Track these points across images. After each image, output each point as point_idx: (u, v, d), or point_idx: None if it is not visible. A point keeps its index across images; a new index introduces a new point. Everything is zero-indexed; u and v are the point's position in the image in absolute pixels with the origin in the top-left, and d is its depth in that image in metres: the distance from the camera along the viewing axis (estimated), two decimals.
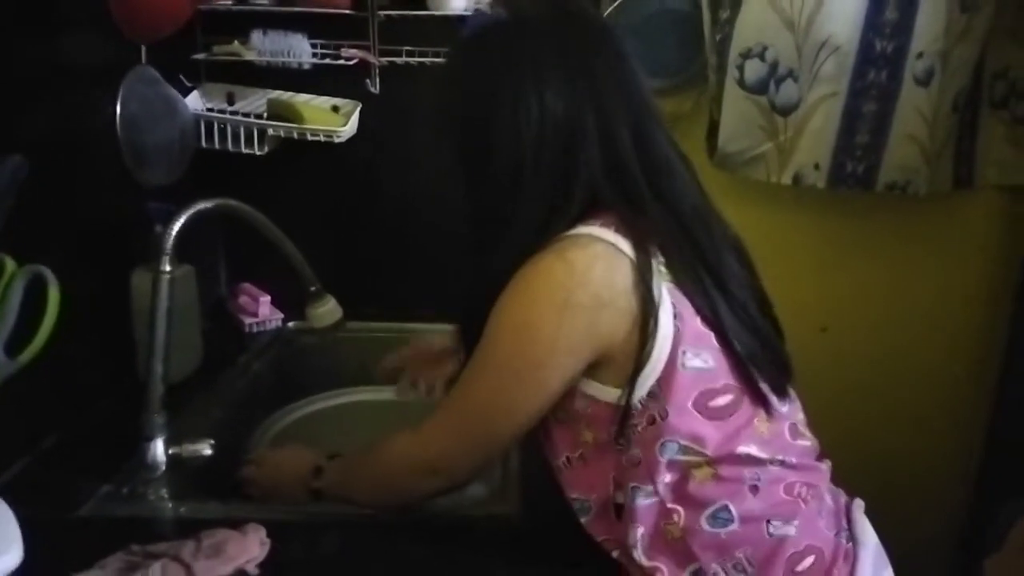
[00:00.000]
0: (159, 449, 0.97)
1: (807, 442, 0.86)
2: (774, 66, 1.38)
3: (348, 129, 1.44)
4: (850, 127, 1.40)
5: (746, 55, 1.38)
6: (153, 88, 1.29)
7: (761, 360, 0.81)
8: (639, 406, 0.77)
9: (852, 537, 0.83)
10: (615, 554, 0.82)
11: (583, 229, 0.78)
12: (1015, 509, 1.49)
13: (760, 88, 1.40)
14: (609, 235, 0.77)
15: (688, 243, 0.80)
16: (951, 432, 1.67)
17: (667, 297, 0.76)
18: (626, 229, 0.77)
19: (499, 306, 0.79)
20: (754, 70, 1.39)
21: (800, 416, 0.87)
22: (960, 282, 1.61)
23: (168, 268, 0.94)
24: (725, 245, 0.85)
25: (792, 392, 0.86)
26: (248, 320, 1.49)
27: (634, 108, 0.81)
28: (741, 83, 1.40)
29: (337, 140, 1.42)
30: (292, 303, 1.51)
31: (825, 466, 0.87)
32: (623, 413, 0.77)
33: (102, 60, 1.19)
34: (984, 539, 1.51)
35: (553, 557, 0.88)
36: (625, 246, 0.76)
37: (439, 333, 1.19)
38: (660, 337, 0.75)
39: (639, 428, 0.77)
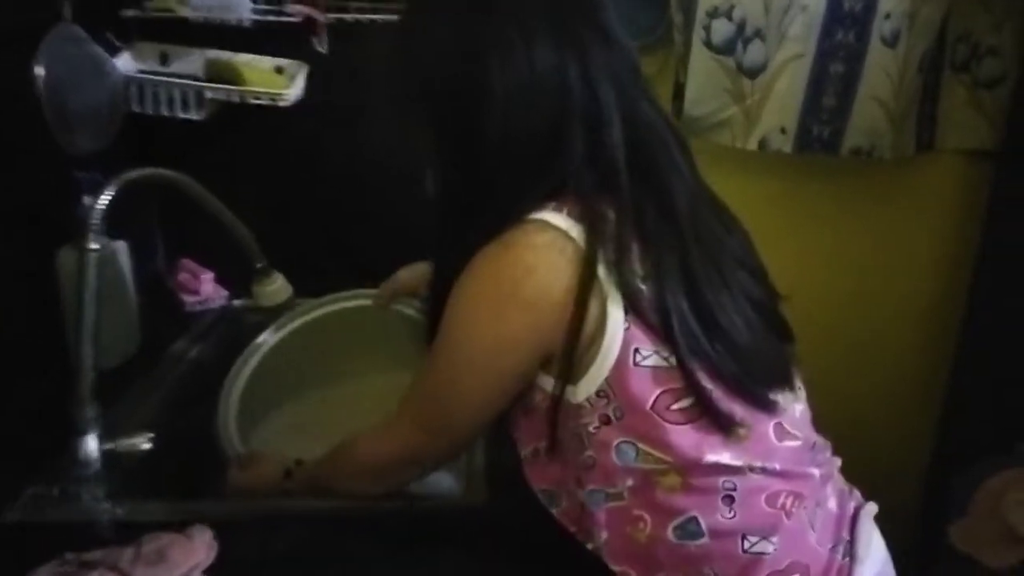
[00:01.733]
0: (92, 444, 0.89)
1: (796, 443, 0.76)
2: (741, 25, 1.33)
3: (293, 92, 1.34)
4: (817, 89, 1.36)
5: (713, 14, 1.33)
6: (79, 48, 1.18)
7: (742, 359, 0.72)
8: (587, 405, 0.71)
9: (852, 552, 0.76)
10: (589, 546, 0.77)
11: (541, 215, 0.71)
12: (975, 475, 1.49)
13: (727, 49, 1.35)
14: (563, 222, 0.70)
15: (669, 234, 0.72)
16: (912, 397, 1.67)
17: (616, 292, 0.69)
18: (586, 216, 0.70)
19: (453, 294, 0.74)
20: (721, 30, 1.33)
21: (792, 413, 0.78)
22: (924, 246, 1.60)
23: (95, 245, 0.85)
24: (722, 238, 0.78)
25: (785, 389, 0.78)
26: (189, 299, 1.40)
27: (624, 88, 0.74)
28: (708, 43, 1.34)
29: (282, 104, 1.33)
30: (237, 279, 1.42)
31: (822, 469, 0.78)
32: (551, 411, 0.73)
33: (21, 17, 1.08)
34: (946, 506, 1.52)
35: (525, 549, 0.83)
36: (577, 234, 0.69)
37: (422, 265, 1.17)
38: (608, 333, 0.69)
39: (590, 428, 0.72)
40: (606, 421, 0.71)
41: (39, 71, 1.07)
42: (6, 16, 1.05)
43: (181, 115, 1.31)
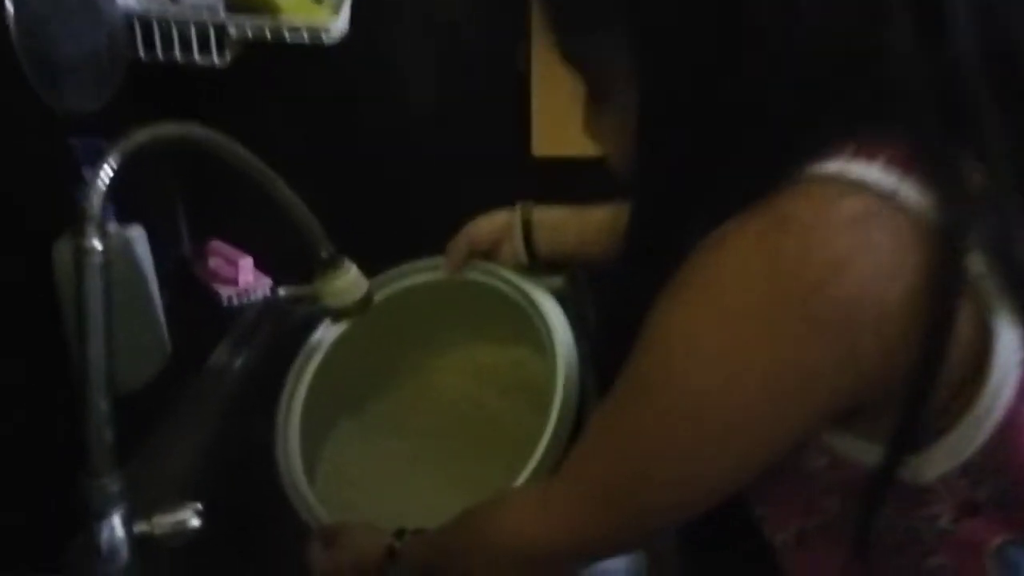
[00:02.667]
0: (117, 529, 0.63)
1: None
2: None
3: (339, 23, 1.05)
4: None
5: None
6: None
7: None
8: (940, 488, 0.43)
9: None
10: None
11: (836, 165, 0.42)
12: None
13: None
14: (882, 177, 0.41)
15: None
16: None
17: (1005, 297, 0.41)
18: (930, 169, 0.41)
19: (667, 308, 0.46)
20: None
21: None
22: None
23: (96, 243, 0.57)
24: None
25: None
26: (225, 291, 1.13)
27: None
28: None
29: (327, 41, 1.04)
30: (280, 262, 1.16)
31: None
32: (868, 494, 0.45)
33: None
34: None
35: None
36: (915, 199, 0.41)
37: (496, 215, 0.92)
38: (995, 367, 0.41)
39: (942, 522, 0.44)
40: (971, 511, 0.43)
41: (7, 6, 0.79)
42: None
43: (199, 60, 1.03)
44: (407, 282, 0.96)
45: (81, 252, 0.58)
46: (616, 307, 0.59)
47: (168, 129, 0.61)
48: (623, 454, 0.50)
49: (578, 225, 0.87)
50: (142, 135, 0.60)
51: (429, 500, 0.88)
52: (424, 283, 0.95)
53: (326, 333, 0.94)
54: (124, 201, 0.88)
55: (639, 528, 0.53)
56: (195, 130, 0.64)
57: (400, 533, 0.69)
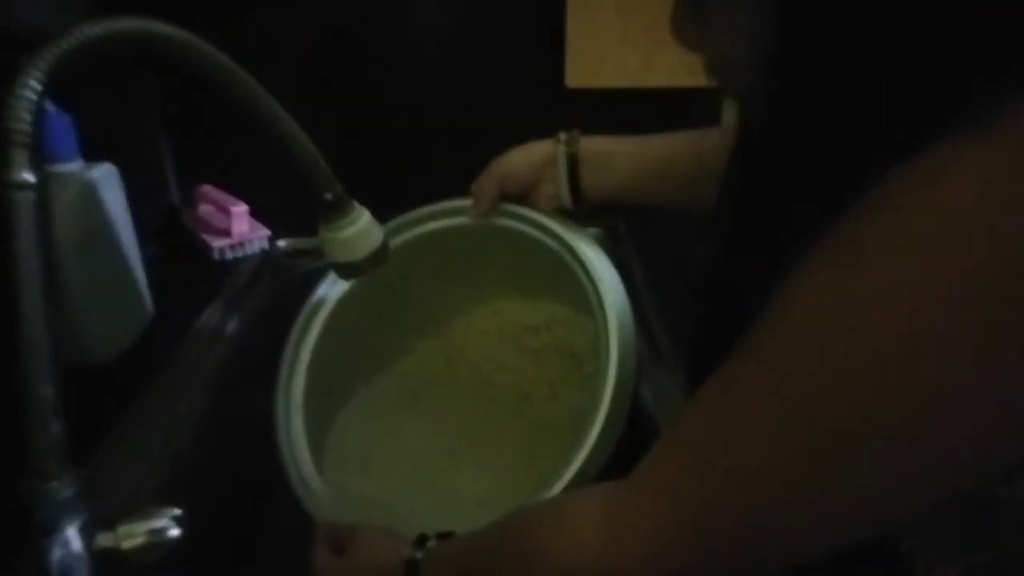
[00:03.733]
0: (73, 544, 0.49)
1: None
2: None
3: None
4: None
5: None
6: None
7: None
8: None
9: None
10: None
11: None
12: None
13: None
14: None
15: None
16: None
17: None
18: None
19: (836, 272, 0.32)
20: None
21: None
22: None
23: (27, 175, 0.43)
24: None
25: None
26: (217, 243, 0.98)
27: None
28: None
29: None
30: (280, 210, 1.01)
31: None
32: None
33: None
34: None
35: None
36: None
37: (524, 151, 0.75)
38: None
39: None
40: None
41: None
42: None
43: None
44: (424, 229, 0.80)
45: (7, 188, 0.43)
46: (716, 275, 0.44)
47: (113, 26, 0.46)
48: (742, 464, 0.35)
49: (631, 159, 0.71)
50: (78, 35, 0.45)
51: (453, 491, 0.75)
52: (444, 230, 0.79)
53: (330, 290, 0.80)
54: (94, 139, 0.73)
55: (741, 568, 0.39)
56: (157, 27, 0.48)
57: (422, 540, 0.56)
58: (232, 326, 0.88)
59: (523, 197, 0.75)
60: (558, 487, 0.58)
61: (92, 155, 0.73)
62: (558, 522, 0.44)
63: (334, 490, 0.69)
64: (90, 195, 0.70)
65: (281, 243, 1.03)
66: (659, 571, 0.39)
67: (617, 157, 0.71)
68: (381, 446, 0.81)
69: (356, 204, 0.63)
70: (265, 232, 1.01)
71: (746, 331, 0.36)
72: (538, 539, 0.45)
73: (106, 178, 0.73)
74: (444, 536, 0.56)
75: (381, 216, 0.66)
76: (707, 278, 0.45)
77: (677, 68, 1.09)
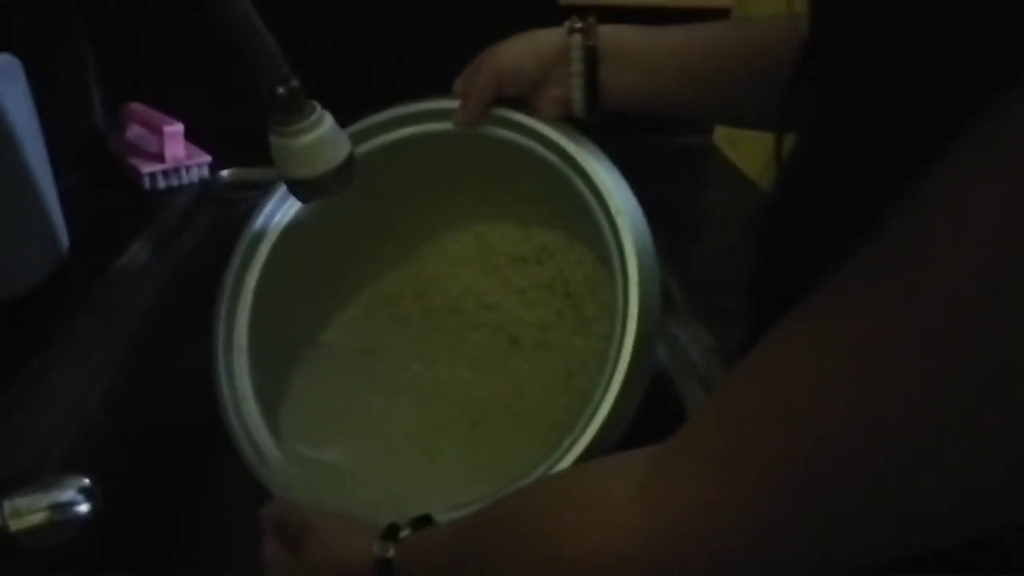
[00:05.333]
0: None
1: None
2: None
3: None
4: None
5: None
6: None
7: None
8: None
9: None
10: None
11: None
12: None
13: None
14: None
15: None
16: None
17: None
18: None
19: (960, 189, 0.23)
20: None
21: None
22: None
23: None
24: None
25: None
26: (148, 168, 0.85)
27: None
28: None
29: None
30: (221, 132, 0.87)
31: None
32: None
33: None
34: None
35: None
36: None
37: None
38: None
39: None
40: None
41: None
42: None
43: None
44: (394, 135, 0.64)
45: None
46: (792, 205, 0.34)
47: None
48: (837, 422, 0.25)
49: (672, 56, 0.56)
50: None
51: (430, 461, 0.64)
52: (418, 137, 0.64)
53: (277, 210, 0.65)
54: None
55: (818, 563, 0.29)
56: None
57: (392, 532, 0.45)
58: (163, 266, 0.75)
59: (520, 99, 0.60)
60: (570, 457, 0.48)
61: None
62: (588, 499, 0.33)
63: (289, 456, 0.58)
64: None
65: (224, 173, 0.89)
66: (727, 562, 0.29)
67: (651, 52, 0.56)
68: (343, 403, 0.69)
69: (316, 105, 0.50)
70: (205, 158, 0.88)
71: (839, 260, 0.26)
72: (545, 527, 0.34)
73: (4, 72, 0.59)
74: (420, 523, 0.45)
75: (342, 122, 0.53)
76: (780, 209, 0.35)
77: None
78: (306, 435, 0.63)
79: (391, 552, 0.43)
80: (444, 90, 0.62)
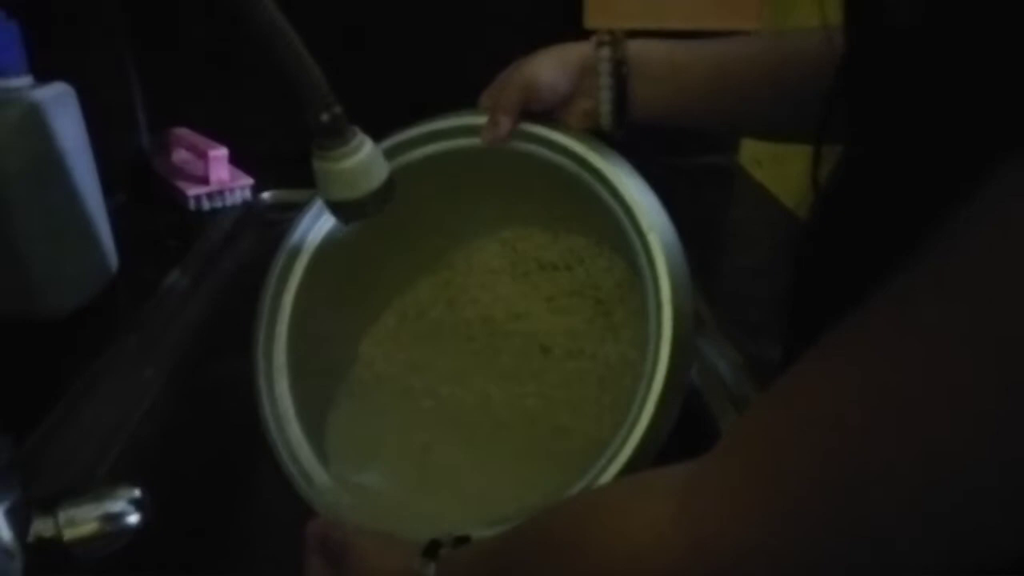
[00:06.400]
0: (2, 530, 0.39)
1: None
2: None
3: None
4: None
5: None
6: None
7: None
8: None
9: None
10: None
11: None
12: None
13: None
14: None
15: None
16: None
17: None
18: None
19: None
20: None
21: None
22: None
23: None
24: None
25: None
26: (193, 191, 0.87)
27: None
28: None
29: None
30: (265, 156, 0.90)
31: None
32: None
33: None
34: None
35: None
36: None
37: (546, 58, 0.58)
38: None
39: None
40: None
41: None
42: None
43: None
44: (422, 152, 0.64)
45: None
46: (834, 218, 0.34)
47: None
48: (878, 437, 0.26)
49: (675, 65, 0.56)
50: None
51: (468, 479, 0.65)
52: (447, 154, 0.64)
53: (308, 229, 0.66)
54: (47, 53, 0.62)
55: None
56: None
57: (433, 548, 0.46)
58: (207, 284, 0.78)
59: (547, 113, 0.59)
60: (608, 474, 0.48)
61: (43, 73, 0.62)
62: (626, 515, 0.34)
63: (332, 475, 0.59)
64: (39, 118, 0.59)
65: (266, 195, 0.92)
66: (757, 557, 0.30)
67: (679, 64, 0.56)
68: (382, 423, 0.70)
69: (357, 130, 0.52)
70: (248, 181, 0.90)
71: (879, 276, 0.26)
72: (584, 543, 0.35)
73: (60, 100, 0.62)
74: (460, 541, 0.46)
75: (374, 140, 0.55)
76: (818, 230, 0.35)
77: (696, 9, 1.01)
78: (348, 455, 0.64)
79: (432, 569, 0.44)
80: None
